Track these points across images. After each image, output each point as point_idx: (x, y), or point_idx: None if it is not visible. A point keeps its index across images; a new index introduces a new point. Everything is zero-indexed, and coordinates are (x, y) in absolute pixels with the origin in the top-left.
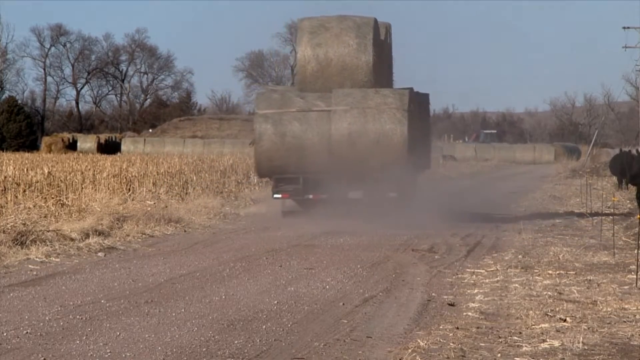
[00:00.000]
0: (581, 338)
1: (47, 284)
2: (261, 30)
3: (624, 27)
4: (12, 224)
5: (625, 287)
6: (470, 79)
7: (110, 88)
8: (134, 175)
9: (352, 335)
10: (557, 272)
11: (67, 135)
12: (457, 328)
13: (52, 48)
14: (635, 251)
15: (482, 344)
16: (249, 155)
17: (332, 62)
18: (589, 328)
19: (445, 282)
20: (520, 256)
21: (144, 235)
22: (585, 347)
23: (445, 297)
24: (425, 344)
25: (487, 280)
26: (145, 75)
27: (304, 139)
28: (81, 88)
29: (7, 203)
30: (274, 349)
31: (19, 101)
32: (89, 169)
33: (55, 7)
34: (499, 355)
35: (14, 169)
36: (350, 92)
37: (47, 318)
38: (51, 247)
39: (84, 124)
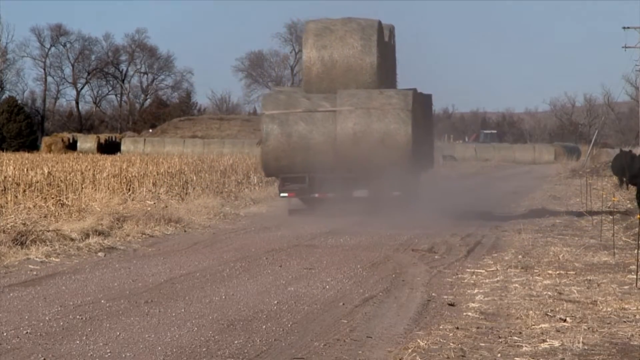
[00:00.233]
0: (581, 338)
1: (47, 284)
2: (261, 30)
3: (624, 27)
4: (12, 224)
5: (625, 287)
6: (471, 79)
7: (110, 88)
8: (134, 175)
9: (352, 335)
10: (557, 272)
11: (67, 135)
12: (457, 328)
13: (52, 48)
14: (635, 251)
15: (482, 344)
16: (249, 155)
17: (337, 63)
18: (589, 328)
19: (445, 282)
20: (520, 256)
21: (144, 235)
22: (585, 347)
23: (445, 297)
24: (425, 344)
25: (487, 280)
26: (145, 75)
27: (309, 139)
28: (81, 88)
29: (7, 203)
30: (274, 349)
31: (19, 101)
32: (89, 169)
33: (55, 7)
34: (499, 355)
35: (14, 169)
36: (355, 93)
37: (47, 318)
38: (51, 247)
39: (84, 124)
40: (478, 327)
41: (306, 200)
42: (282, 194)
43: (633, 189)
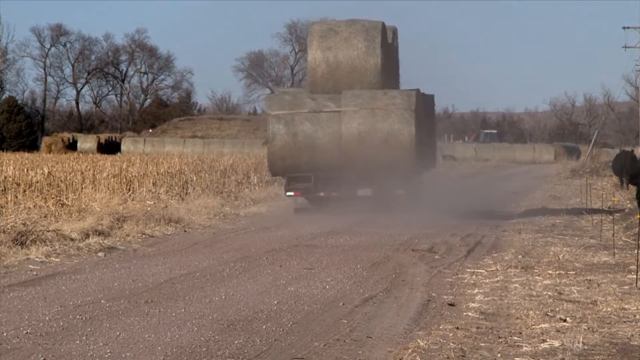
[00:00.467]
0: (581, 338)
1: (47, 284)
2: (261, 30)
3: (624, 27)
4: (12, 224)
5: (625, 287)
6: (471, 79)
7: (110, 88)
8: (134, 175)
9: (352, 335)
10: (557, 272)
11: (67, 135)
12: (457, 328)
13: (52, 48)
14: (635, 251)
15: (482, 344)
16: (249, 155)
17: (341, 64)
18: (589, 328)
19: (445, 282)
20: (520, 256)
21: (144, 235)
22: (585, 347)
23: (445, 297)
24: (425, 344)
25: (487, 280)
26: (145, 75)
27: (315, 139)
28: (81, 88)
29: (7, 203)
30: (274, 349)
31: (19, 101)
32: (89, 169)
33: (55, 7)
34: (499, 355)
35: (14, 169)
36: (359, 94)
37: (47, 318)
38: (51, 247)
39: (84, 124)
40: (478, 327)
41: (311, 199)
42: (288, 193)
43: (633, 189)
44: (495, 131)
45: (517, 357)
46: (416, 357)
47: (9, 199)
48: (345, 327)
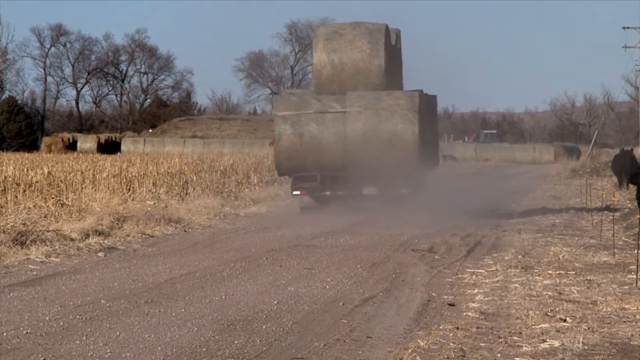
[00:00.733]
0: (581, 338)
1: (47, 284)
2: (261, 30)
3: (624, 27)
4: (12, 224)
5: (625, 287)
6: (471, 79)
7: (110, 88)
8: (134, 175)
9: (352, 335)
10: (557, 272)
11: (67, 135)
12: (457, 328)
13: (52, 48)
14: (635, 251)
15: (482, 344)
16: (249, 155)
17: (346, 66)
18: (589, 328)
19: (445, 282)
20: (520, 256)
21: (144, 235)
22: (585, 347)
23: (445, 297)
24: (425, 344)
25: (487, 280)
26: (145, 75)
27: (320, 139)
28: (81, 88)
29: (7, 203)
30: (274, 349)
31: (19, 101)
32: (89, 169)
33: (55, 7)
34: (499, 355)
35: (14, 169)
36: (363, 95)
37: (47, 318)
38: (51, 247)
39: (84, 124)
40: (478, 327)
41: (317, 198)
42: (294, 192)
43: (633, 189)
44: (495, 131)
45: (517, 357)
46: (416, 357)
47: (9, 199)
48: (345, 327)
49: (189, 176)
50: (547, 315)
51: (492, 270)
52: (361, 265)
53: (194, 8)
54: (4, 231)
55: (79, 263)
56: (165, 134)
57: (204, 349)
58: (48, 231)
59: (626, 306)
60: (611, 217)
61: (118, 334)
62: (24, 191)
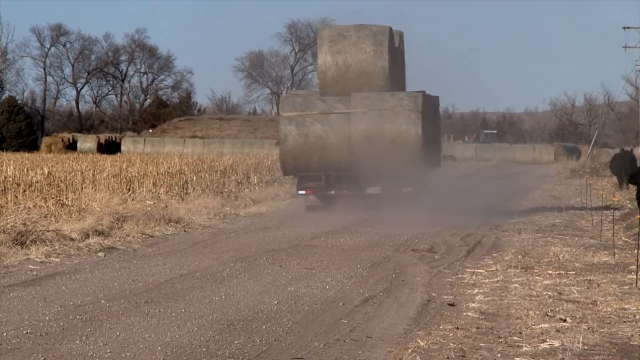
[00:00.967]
0: (581, 338)
1: (47, 284)
2: (261, 30)
3: (624, 27)
4: (12, 224)
5: (625, 287)
6: (471, 79)
7: (110, 88)
8: (134, 175)
9: (352, 335)
10: (557, 272)
11: (67, 135)
12: (457, 328)
13: (52, 48)
14: (635, 251)
15: (482, 344)
16: (249, 155)
17: (350, 67)
18: (589, 328)
19: (445, 282)
20: (520, 256)
21: (144, 235)
22: (585, 347)
23: (445, 297)
24: (425, 344)
25: (487, 280)
26: (145, 75)
27: (325, 139)
28: (81, 88)
29: (7, 203)
30: (274, 349)
31: (19, 101)
32: (89, 169)
33: (55, 7)
34: (499, 355)
35: (14, 169)
36: (367, 96)
37: (47, 318)
38: (51, 247)
39: (84, 124)
40: (478, 327)
41: (322, 197)
42: (300, 192)
43: (633, 189)
44: (495, 131)
45: (517, 357)
46: (416, 357)
47: (9, 199)
48: (345, 327)
49: (189, 176)
50: (547, 315)
51: (492, 270)
52: (361, 265)
53: (194, 8)
54: (4, 231)
55: (79, 263)
56: (165, 134)
57: (204, 349)
58: (48, 231)
59: (626, 306)
60: (611, 217)
61: (118, 334)
62: (24, 191)
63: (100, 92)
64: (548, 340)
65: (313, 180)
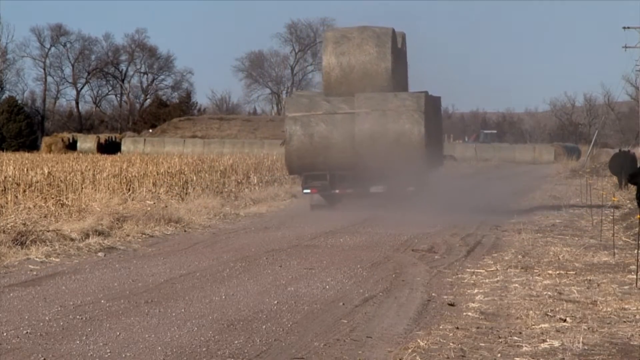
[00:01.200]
0: (581, 338)
1: (47, 284)
2: (261, 30)
3: (624, 27)
4: (12, 224)
5: (625, 287)
6: (471, 79)
7: (110, 88)
8: (134, 175)
9: (352, 335)
10: (557, 272)
11: (67, 135)
12: (457, 328)
13: (52, 48)
14: (635, 251)
15: (482, 344)
16: (249, 155)
17: (354, 68)
18: (589, 328)
19: (445, 282)
20: (520, 256)
21: (144, 235)
22: (585, 347)
23: (445, 297)
24: (425, 344)
25: (487, 280)
26: (145, 75)
27: (330, 139)
28: (81, 88)
29: (7, 203)
30: (274, 349)
31: (19, 101)
32: (89, 169)
33: (55, 7)
34: (499, 355)
35: (14, 169)
36: (371, 96)
37: (47, 318)
38: (51, 247)
39: (84, 124)
40: (478, 327)
41: (327, 196)
42: (305, 191)
43: (633, 189)
44: (495, 131)
45: (517, 357)
46: (416, 357)
47: (9, 199)
48: (345, 327)
49: (189, 176)
50: (547, 315)
51: (492, 270)
52: (361, 265)
53: (194, 8)
54: (4, 231)
55: (79, 263)
56: (165, 134)
57: (204, 349)
58: (48, 231)
59: (626, 306)
60: (611, 217)
61: (118, 334)
62: (24, 191)
63: (100, 92)
64: (548, 340)
65: (318, 180)
